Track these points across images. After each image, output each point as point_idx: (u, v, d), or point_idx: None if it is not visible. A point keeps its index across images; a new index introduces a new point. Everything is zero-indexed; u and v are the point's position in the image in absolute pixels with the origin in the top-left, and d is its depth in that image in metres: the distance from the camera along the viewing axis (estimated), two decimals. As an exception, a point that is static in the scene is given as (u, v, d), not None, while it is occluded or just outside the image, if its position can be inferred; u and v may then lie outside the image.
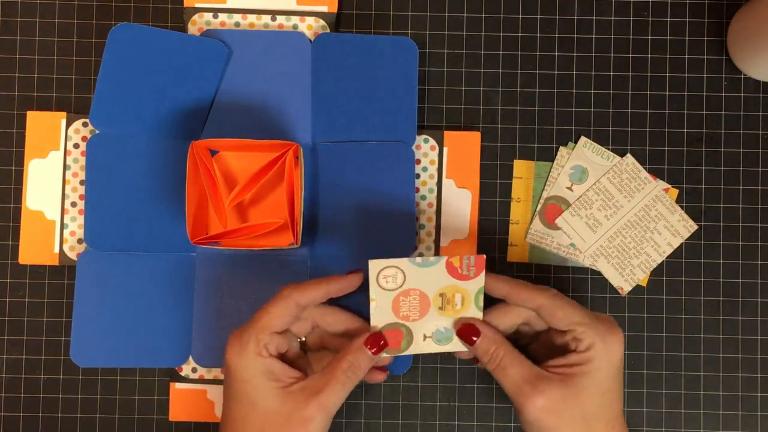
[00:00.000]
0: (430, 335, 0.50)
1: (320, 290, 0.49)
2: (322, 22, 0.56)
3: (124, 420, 0.56)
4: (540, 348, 0.50)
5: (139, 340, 0.55)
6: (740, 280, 0.56)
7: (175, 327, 0.55)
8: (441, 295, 0.50)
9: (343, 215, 0.55)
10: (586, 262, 0.56)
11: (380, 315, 0.50)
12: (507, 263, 0.56)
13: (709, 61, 0.57)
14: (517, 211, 0.56)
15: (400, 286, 0.50)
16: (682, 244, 0.56)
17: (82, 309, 0.54)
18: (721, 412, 0.56)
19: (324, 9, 0.56)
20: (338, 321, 0.51)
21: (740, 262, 0.56)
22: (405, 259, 0.49)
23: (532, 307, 0.47)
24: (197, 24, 0.56)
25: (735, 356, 0.56)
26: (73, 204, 0.56)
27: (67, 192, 0.56)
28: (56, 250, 0.55)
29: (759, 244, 0.56)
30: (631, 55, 0.57)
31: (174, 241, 0.55)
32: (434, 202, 0.56)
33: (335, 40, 0.55)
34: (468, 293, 0.50)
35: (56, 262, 0.55)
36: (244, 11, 0.56)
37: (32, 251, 0.55)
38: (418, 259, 0.49)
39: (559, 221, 0.56)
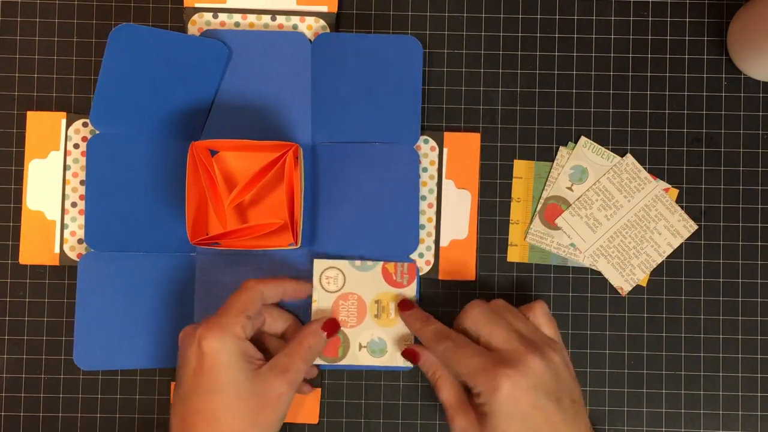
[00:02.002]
0: (366, 345, 0.54)
1: (279, 287, 0.52)
2: (322, 22, 0.56)
3: (124, 420, 0.56)
4: None
5: (140, 341, 0.55)
6: (740, 280, 0.56)
7: (175, 327, 0.55)
8: (377, 302, 0.54)
9: (343, 216, 0.55)
10: (586, 262, 0.56)
11: (320, 317, 0.54)
12: (507, 263, 0.56)
13: (709, 61, 0.57)
14: (517, 211, 0.56)
15: (341, 289, 0.54)
16: (682, 244, 0.56)
17: (84, 312, 0.54)
18: (721, 412, 0.56)
19: (324, 9, 0.56)
20: (282, 319, 0.54)
21: (740, 262, 0.56)
22: (346, 261, 0.54)
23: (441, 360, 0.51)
24: (197, 24, 0.56)
25: (735, 356, 0.56)
26: (74, 204, 0.56)
27: (67, 192, 0.56)
28: (56, 250, 0.55)
29: (759, 244, 0.56)
30: (631, 55, 0.57)
31: (174, 242, 0.55)
32: (434, 203, 0.56)
33: (335, 40, 0.55)
34: None
35: (57, 263, 0.55)
36: (244, 11, 0.56)
37: (32, 251, 0.55)
38: (358, 262, 0.54)
39: (559, 221, 0.56)
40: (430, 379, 0.51)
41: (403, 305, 0.54)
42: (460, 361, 0.48)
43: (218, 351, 0.47)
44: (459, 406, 0.49)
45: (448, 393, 0.50)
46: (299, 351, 0.50)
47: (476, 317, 0.49)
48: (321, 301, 0.54)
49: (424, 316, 0.53)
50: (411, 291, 0.54)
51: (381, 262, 0.54)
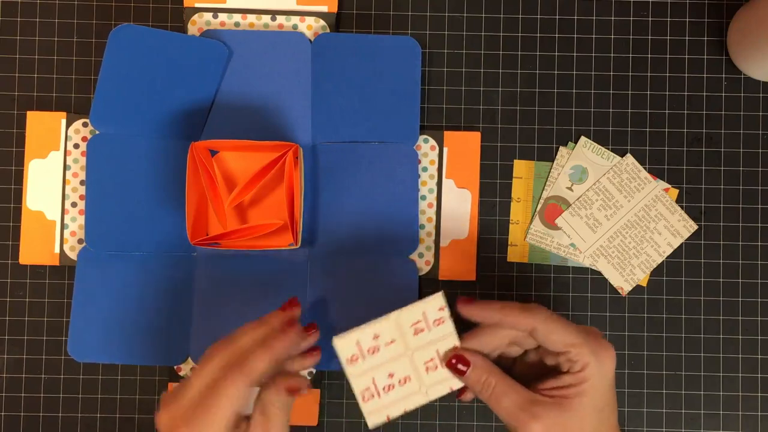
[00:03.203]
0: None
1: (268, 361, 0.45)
2: (322, 22, 0.56)
3: (124, 419, 0.56)
4: (525, 369, 0.48)
5: (137, 339, 0.55)
6: (740, 280, 0.56)
7: (174, 327, 0.55)
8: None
9: (342, 216, 0.55)
10: (586, 262, 0.56)
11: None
12: (507, 263, 0.56)
13: (709, 61, 0.57)
14: (517, 211, 0.56)
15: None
16: (682, 244, 0.56)
17: (81, 304, 0.54)
18: (722, 412, 0.56)
19: (324, 9, 0.56)
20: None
21: (740, 262, 0.56)
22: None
23: (525, 330, 0.45)
24: (197, 24, 0.56)
25: (735, 356, 0.56)
26: (74, 204, 0.56)
27: (67, 192, 0.56)
28: (56, 250, 0.55)
29: (759, 244, 0.56)
30: (631, 55, 0.57)
31: (174, 242, 0.55)
32: (434, 202, 0.56)
33: (335, 40, 0.55)
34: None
35: (56, 262, 0.55)
36: (244, 11, 0.56)
37: (32, 251, 0.55)
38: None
39: (559, 221, 0.56)
40: (483, 387, 0.45)
41: (455, 368, 0.46)
42: (567, 333, 0.44)
43: None
44: (533, 403, 0.44)
45: (514, 396, 0.45)
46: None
47: (541, 318, 0.45)
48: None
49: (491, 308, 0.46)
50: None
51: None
